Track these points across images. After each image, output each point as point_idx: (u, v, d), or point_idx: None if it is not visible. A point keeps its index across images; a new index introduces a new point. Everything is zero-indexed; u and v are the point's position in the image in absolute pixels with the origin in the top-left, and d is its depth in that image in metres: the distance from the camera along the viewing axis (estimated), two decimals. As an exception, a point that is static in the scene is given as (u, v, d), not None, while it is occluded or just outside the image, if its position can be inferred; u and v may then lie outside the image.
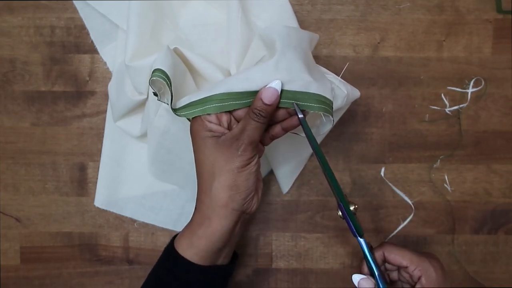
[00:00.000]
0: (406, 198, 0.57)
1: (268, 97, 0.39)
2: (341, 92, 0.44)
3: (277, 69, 0.40)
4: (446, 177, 0.56)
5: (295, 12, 0.53)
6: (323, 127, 0.45)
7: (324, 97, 0.41)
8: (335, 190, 0.42)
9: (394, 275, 0.47)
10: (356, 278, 0.43)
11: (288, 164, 0.55)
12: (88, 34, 0.55)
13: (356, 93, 0.47)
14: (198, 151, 0.42)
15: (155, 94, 0.42)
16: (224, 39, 0.50)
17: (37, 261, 0.57)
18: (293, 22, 0.51)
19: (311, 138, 0.41)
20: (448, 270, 0.56)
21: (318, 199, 0.57)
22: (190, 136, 0.43)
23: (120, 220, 0.57)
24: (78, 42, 0.55)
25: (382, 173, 0.56)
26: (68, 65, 0.56)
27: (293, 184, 0.57)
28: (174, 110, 0.42)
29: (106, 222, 0.57)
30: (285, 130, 0.43)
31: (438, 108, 0.56)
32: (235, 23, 0.48)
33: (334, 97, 0.42)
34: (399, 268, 0.45)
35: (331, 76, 0.45)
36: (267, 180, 0.57)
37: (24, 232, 0.57)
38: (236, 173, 0.40)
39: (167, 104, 0.43)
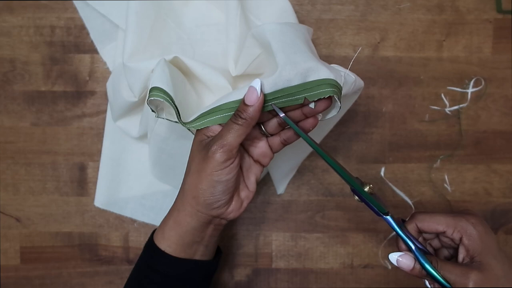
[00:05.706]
0: (406, 198, 0.57)
1: (247, 97, 0.37)
2: (349, 77, 0.42)
3: (281, 72, 0.39)
4: (446, 177, 0.56)
5: (295, 12, 0.53)
6: (329, 113, 0.43)
7: (335, 80, 0.39)
8: (342, 176, 0.40)
9: (436, 242, 0.44)
10: (394, 256, 0.40)
11: (283, 165, 0.55)
12: (88, 34, 0.55)
13: (360, 82, 0.45)
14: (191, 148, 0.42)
15: (152, 110, 0.42)
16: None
17: (37, 261, 0.57)
18: (293, 22, 0.51)
19: (299, 133, 0.39)
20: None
21: (318, 199, 0.57)
22: (191, 141, 0.42)
23: (120, 220, 0.57)
24: (78, 42, 0.55)
25: (382, 173, 0.56)
26: (68, 65, 0.56)
27: (293, 184, 0.57)
28: (184, 124, 0.41)
29: (106, 222, 0.57)
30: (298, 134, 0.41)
31: (438, 108, 0.56)
32: (234, 21, 0.48)
33: (344, 82, 0.41)
34: (437, 234, 0.43)
35: (337, 66, 0.44)
36: (267, 180, 0.57)
37: (24, 232, 0.57)
38: (203, 176, 0.39)
39: (166, 119, 0.42)
